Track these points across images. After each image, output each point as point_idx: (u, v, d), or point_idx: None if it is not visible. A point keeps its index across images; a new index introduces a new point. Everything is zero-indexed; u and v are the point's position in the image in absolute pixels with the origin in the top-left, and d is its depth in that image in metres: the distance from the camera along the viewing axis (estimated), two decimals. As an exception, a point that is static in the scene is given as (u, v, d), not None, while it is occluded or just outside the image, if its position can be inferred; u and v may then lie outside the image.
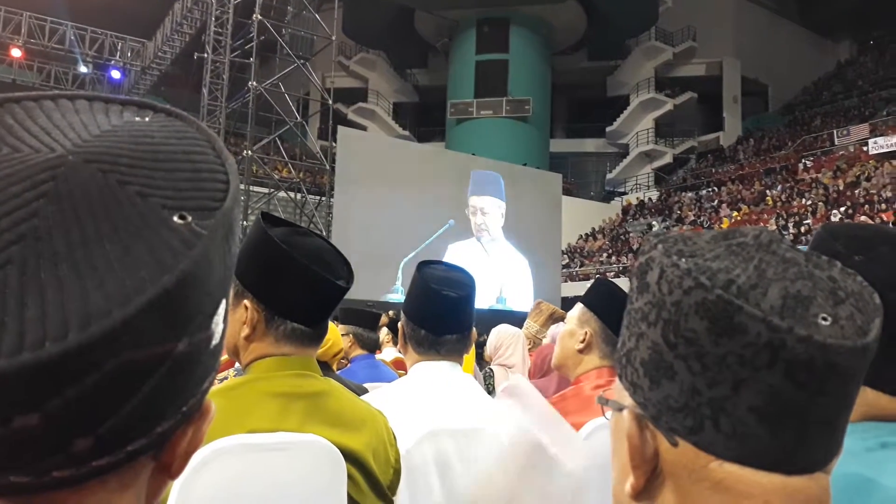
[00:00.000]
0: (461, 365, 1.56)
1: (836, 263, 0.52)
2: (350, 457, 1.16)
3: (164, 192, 0.36)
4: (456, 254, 13.07)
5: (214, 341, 0.39)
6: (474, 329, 1.64)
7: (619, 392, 0.56)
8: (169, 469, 0.40)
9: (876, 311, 0.49)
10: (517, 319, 3.90)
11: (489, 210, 13.96)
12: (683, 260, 0.49)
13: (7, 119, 0.37)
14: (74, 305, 0.31)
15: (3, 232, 0.32)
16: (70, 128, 0.37)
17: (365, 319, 3.11)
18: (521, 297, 13.53)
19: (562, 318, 3.72)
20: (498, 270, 13.57)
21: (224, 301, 0.39)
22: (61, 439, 0.32)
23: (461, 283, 1.52)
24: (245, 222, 13.88)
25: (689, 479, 0.49)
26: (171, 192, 0.36)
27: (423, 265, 1.54)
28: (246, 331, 1.16)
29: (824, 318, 0.46)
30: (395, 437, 1.29)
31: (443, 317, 1.51)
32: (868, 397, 0.81)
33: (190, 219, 0.35)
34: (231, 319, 1.16)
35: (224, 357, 2.34)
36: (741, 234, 0.52)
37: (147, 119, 0.40)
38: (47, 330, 0.30)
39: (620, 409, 0.54)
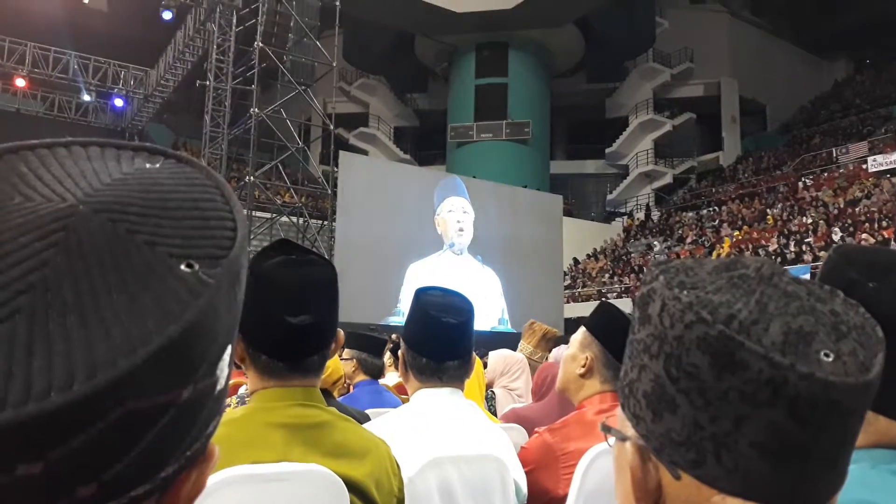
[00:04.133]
0: (462, 391, 1.56)
1: (839, 294, 0.52)
2: (353, 487, 1.15)
3: (172, 241, 0.36)
4: (421, 272, 12.69)
5: (219, 386, 0.39)
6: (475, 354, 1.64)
7: (621, 422, 0.56)
8: None
9: (878, 344, 0.49)
10: (513, 340, 3.89)
11: (468, 210, 13.72)
12: (685, 293, 0.49)
13: (21, 167, 0.37)
14: (81, 356, 0.31)
15: (14, 281, 0.32)
16: (82, 176, 0.37)
17: (370, 345, 3.09)
18: (494, 311, 13.33)
19: (554, 338, 3.72)
20: (486, 288, 13.30)
21: (230, 347, 0.40)
22: (64, 487, 0.32)
23: (460, 309, 1.52)
24: (248, 247, 13.83)
25: None
26: (178, 241, 0.36)
27: (421, 292, 1.54)
28: (236, 360, 1.17)
29: (826, 355, 0.46)
30: (398, 466, 1.29)
31: (443, 343, 1.51)
32: (881, 425, 0.80)
33: (197, 267, 0.36)
34: None
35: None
36: (743, 266, 0.52)
37: (157, 165, 0.41)
38: (53, 380, 0.30)
39: (623, 439, 0.54)
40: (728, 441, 0.47)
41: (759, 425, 0.46)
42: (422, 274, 12.66)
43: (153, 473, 0.35)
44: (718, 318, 0.47)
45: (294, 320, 1.13)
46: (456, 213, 13.49)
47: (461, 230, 13.46)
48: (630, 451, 0.53)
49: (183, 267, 0.35)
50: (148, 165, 0.41)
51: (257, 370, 1.17)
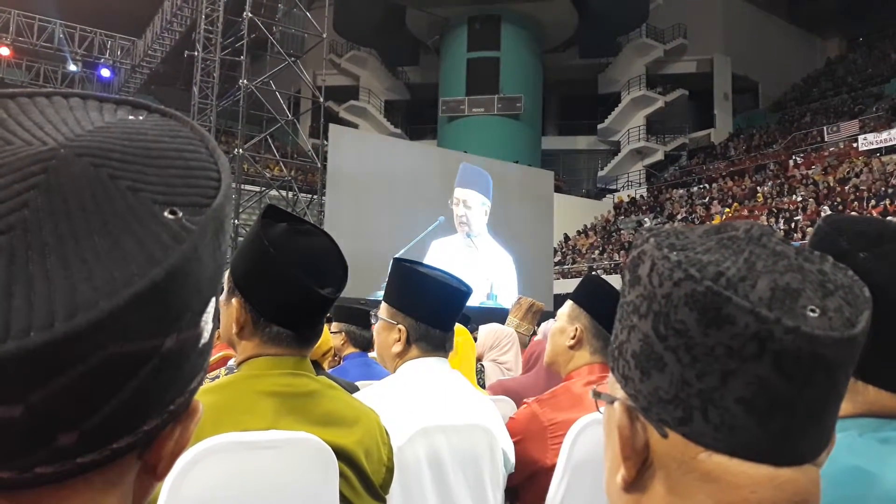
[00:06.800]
0: (447, 360, 1.57)
1: (828, 258, 0.52)
2: (342, 455, 1.16)
3: (156, 188, 0.36)
4: (440, 250, 12.98)
5: (203, 340, 0.39)
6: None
7: (611, 385, 0.56)
8: (155, 470, 0.40)
9: (865, 303, 0.49)
10: (505, 316, 3.94)
11: (472, 204, 13.87)
12: (674, 253, 0.49)
13: (0, 113, 0.37)
14: (62, 296, 0.31)
15: None
16: (63, 123, 0.37)
17: (358, 317, 3.10)
18: (507, 292, 13.53)
19: (540, 311, 3.77)
20: (484, 266, 13.55)
21: (214, 299, 0.39)
22: (45, 433, 0.31)
23: (459, 279, 1.54)
24: (236, 220, 13.81)
25: (679, 470, 0.50)
26: (162, 188, 0.36)
27: (420, 265, 1.54)
28: (235, 328, 1.16)
29: (812, 310, 0.46)
30: (387, 435, 1.29)
31: (454, 313, 1.55)
32: (870, 394, 0.81)
33: (180, 214, 0.35)
34: (225, 313, 1.16)
35: (216, 356, 2.33)
36: (733, 229, 0.53)
37: (141, 118, 0.40)
38: (33, 319, 0.30)
39: (612, 401, 0.54)
40: (715, 397, 0.47)
41: (746, 380, 0.46)
42: (441, 252, 12.96)
43: (135, 426, 0.35)
44: (706, 275, 0.47)
45: (327, 292, 1.14)
46: (459, 206, 13.77)
47: (461, 222, 13.81)
48: (618, 412, 0.53)
49: (166, 213, 0.35)
50: (131, 117, 0.40)
51: (262, 339, 1.16)
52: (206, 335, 0.39)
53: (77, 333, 0.30)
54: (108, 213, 0.34)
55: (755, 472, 0.48)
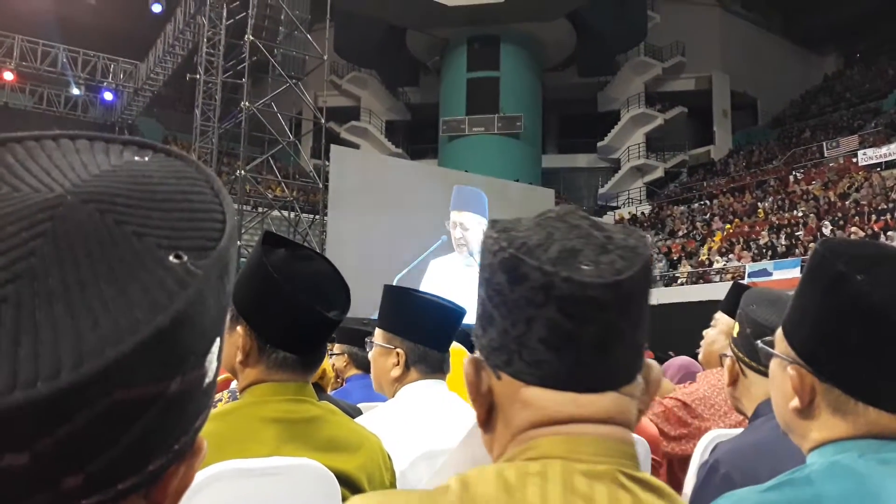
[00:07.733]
0: (445, 382, 1.58)
1: (627, 229, 0.63)
2: (345, 481, 1.16)
3: (161, 232, 0.36)
4: (440, 269, 13.01)
5: (207, 379, 0.39)
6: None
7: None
8: None
9: (639, 260, 0.59)
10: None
11: (469, 226, 13.98)
12: (498, 233, 0.61)
13: (8, 158, 0.37)
14: (68, 345, 0.31)
15: (0, 270, 0.32)
16: (70, 167, 0.37)
17: (361, 339, 3.09)
18: None
19: None
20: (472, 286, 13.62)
21: (218, 339, 0.40)
22: (50, 477, 0.32)
23: (450, 301, 1.54)
24: (238, 242, 13.82)
25: (509, 404, 0.61)
26: (167, 232, 0.36)
27: (409, 290, 1.55)
28: (240, 356, 1.16)
29: (586, 265, 0.57)
30: (390, 460, 1.29)
31: (450, 333, 1.55)
32: (870, 416, 0.82)
33: (185, 258, 0.36)
34: (228, 342, 1.16)
35: (219, 378, 2.33)
36: (551, 212, 0.65)
37: (147, 159, 0.41)
38: (40, 369, 0.30)
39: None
40: (524, 340, 0.58)
41: (542, 324, 0.57)
42: (440, 271, 13.07)
43: (141, 466, 0.35)
44: (513, 245, 0.59)
45: (334, 315, 1.16)
46: (456, 229, 13.88)
47: (459, 244, 14.02)
48: (467, 365, 0.64)
49: (171, 258, 0.35)
50: (137, 158, 0.41)
51: (266, 365, 1.17)
52: (210, 375, 0.39)
53: (83, 382, 0.30)
54: (113, 260, 0.34)
55: (560, 398, 0.59)
